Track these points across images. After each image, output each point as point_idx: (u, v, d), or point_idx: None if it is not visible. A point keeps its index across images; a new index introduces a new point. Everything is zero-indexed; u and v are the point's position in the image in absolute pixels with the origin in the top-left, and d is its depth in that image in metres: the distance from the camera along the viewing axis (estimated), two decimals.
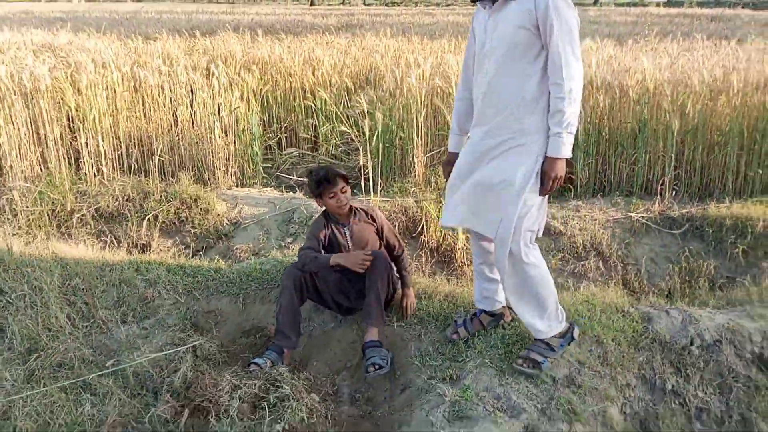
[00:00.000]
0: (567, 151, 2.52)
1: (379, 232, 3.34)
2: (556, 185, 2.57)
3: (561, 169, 2.54)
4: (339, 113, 6.73)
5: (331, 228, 3.26)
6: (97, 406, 2.67)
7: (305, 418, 2.59)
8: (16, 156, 5.54)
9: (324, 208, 3.28)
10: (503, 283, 2.72)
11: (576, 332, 2.91)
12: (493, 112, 2.61)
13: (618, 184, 5.56)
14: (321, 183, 3.15)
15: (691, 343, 3.11)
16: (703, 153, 5.48)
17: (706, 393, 2.95)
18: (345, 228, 3.26)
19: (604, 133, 5.61)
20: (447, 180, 2.87)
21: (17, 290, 3.38)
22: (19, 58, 6.51)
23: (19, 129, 5.58)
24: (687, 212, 4.91)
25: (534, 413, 2.57)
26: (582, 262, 4.61)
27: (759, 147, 5.33)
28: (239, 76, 6.47)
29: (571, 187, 5.57)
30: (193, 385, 2.79)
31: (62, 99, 5.82)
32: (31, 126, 5.67)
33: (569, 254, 4.66)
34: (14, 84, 5.70)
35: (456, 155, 2.86)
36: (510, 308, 3.14)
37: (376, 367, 2.88)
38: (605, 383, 2.79)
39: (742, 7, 37.36)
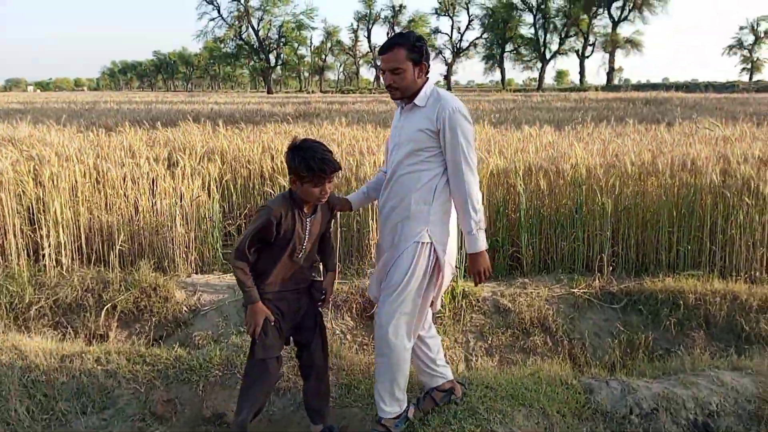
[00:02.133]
0: (483, 245, 2.89)
1: (329, 221, 3.09)
2: (485, 276, 2.91)
3: (484, 261, 2.90)
4: None
5: (295, 213, 2.82)
6: None
7: None
8: None
9: (293, 189, 2.83)
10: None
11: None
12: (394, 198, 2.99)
13: (561, 262, 5.90)
14: (315, 171, 2.71)
15: (630, 412, 3.33)
16: (637, 230, 5.91)
17: None
18: (308, 220, 2.86)
19: (546, 214, 6.00)
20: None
21: None
22: None
23: None
24: (625, 287, 5.24)
25: None
26: (531, 338, 4.84)
27: (687, 223, 5.79)
28: (201, 165, 6.71)
29: (518, 265, 5.88)
30: None
31: (23, 192, 5.92)
32: None
33: (518, 330, 4.89)
34: None
35: (350, 204, 3.19)
36: (461, 383, 3.33)
37: None
38: None
39: (675, 90, 40.33)
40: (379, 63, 3.34)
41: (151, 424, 3.29)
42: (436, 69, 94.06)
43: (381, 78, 3.12)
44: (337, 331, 4.89)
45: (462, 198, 2.85)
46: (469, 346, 4.80)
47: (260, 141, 8.56)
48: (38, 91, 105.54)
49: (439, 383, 3.22)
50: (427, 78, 2.94)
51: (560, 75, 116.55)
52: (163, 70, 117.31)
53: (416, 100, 2.90)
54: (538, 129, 9.30)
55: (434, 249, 2.89)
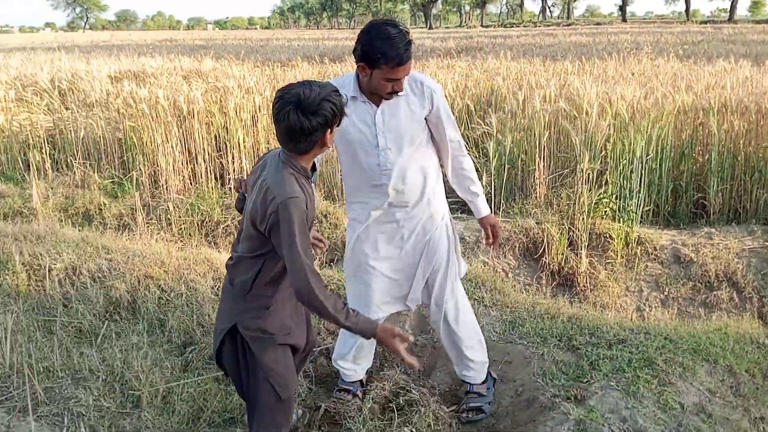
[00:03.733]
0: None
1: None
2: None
3: (497, 220, 2.96)
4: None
5: (304, 186, 2.06)
6: None
7: (431, 424, 2.74)
8: (171, 172, 6.21)
9: (309, 151, 2.05)
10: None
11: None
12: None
13: (755, 212, 5.26)
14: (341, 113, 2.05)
15: None
16: None
17: None
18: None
19: (739, 158, 5.34)
20: None
21: (176, 290, 3.83)
22: (173, 83, 7.30)
23: (173, 147, 6.25)
24: None
25: None
26: (714, 292, 4.42)
27: None
28: None
29: (704, 213, 5.35)
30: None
31: (211, 121, 6.45)
32: (184, 145, 6.33)
33: (700, 283, 4.49)
34: (171, 106, 6.41)
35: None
36: None
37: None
38: (737, 414, 2.71)
39: None
40: (391, 75, 2.89)
41: (325, 337, 3.50)
42: None
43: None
44: (499, 269, 4.83)
45: (470, 165, 2.85)
46: (642, 296, 4.51)
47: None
48: (216, 29, 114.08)
49: None
50: None
51: (756, 5, 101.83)
52: (328, 8, 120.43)
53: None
54: (733, 63, 8.21)
55: (451, 224, 2.93)
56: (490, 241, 2.93)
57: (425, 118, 2.66)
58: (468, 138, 7.00)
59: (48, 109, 7.64)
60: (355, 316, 2.03)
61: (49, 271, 4.05)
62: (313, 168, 2.18)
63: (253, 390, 2.20)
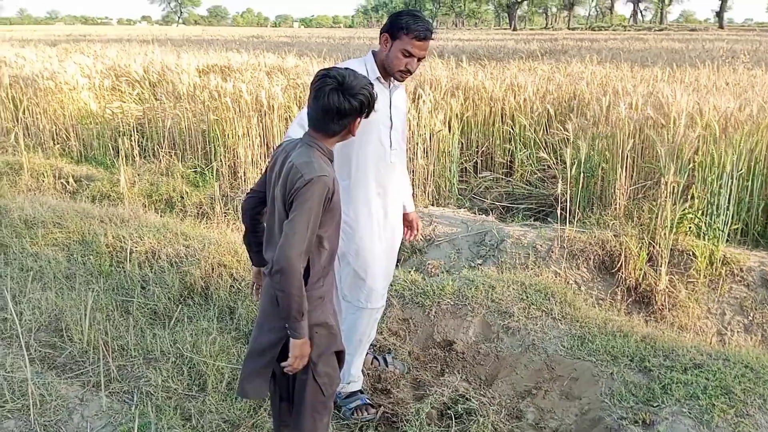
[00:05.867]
0: None
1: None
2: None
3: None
4: (538, 139, 6.73)
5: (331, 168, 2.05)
6: None
7: None
8: (249, 164, 6.39)
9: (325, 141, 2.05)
10: None
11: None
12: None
13: None
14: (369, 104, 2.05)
15: None
16: None
17: None
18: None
19: None
20: None
21: (246, 279, 3.94)
22: (257, 78, 7.50)
23: (253, 141, 6.43)
24: None
25: None
26: None
27: None
28: (444, 100, 6.78)
29: None
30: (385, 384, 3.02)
31: (289, 116, 6.59)
32: (263, 139, 6.50)
33: None
34: (253, 101, 6.59)
35: None
36: None
37: None
38: None
39: None
40: (409, 48, 2.79)
41: (387, 338, 3.50)
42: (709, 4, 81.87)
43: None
44: (571, 281, 4.67)
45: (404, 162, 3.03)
46: (724, 319, 4.24)
47: (504, 77, 8.34)
48: (302, 27, 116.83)
49: None
50: None
51: None
52: (411, 8, 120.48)
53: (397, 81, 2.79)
54: None
55: None
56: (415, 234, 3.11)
57: None
58: (546, 143, 6.83)
59: (139, 98, 8.04)
60: (304, 320, 1.95)
61: (130, 253, 4.25)
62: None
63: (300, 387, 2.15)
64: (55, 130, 7.91)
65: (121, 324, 3.56)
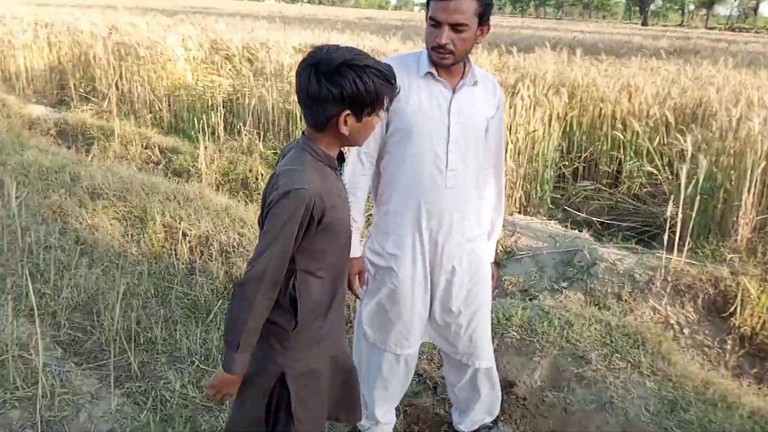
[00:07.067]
0: None
1: None
2: None
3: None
4: (651, 149, 5.91)
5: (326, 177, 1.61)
6: None
7: None
8: None
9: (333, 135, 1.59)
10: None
11: None
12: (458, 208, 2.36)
13: None
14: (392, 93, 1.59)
15: None
16: None
17: None
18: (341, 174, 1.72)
19: None
20: None
21: None
22: None
23: None
24: None
25: None
26: None
27: None
28: (545, 96, 6.11)
29: None
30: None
31: None
32: None
33: None
34: None
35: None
36: None
37: None
38: None
39: None
40: (431, 12, 2.02)
41: (437, 369, 3.04)
42: None
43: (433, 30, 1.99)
44: (672, 321, 3.96)
45: (500, 190, 2.36)
46: None
47: (620, 75, 7.49)
48: (421, 10, 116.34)
49: None
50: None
51: None
52: None
53: (473, 76, 2.15)
54: None
55: None
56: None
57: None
58: (661, 155, 6.00)
59: (234, 73, 7.96)
60: (240, 354, 1.55)
61: (183, 236, 4.04)
62: (341, 158, 1.69)
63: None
64: (150, 99, 8.00)
65: (156, 313, 3.34)
